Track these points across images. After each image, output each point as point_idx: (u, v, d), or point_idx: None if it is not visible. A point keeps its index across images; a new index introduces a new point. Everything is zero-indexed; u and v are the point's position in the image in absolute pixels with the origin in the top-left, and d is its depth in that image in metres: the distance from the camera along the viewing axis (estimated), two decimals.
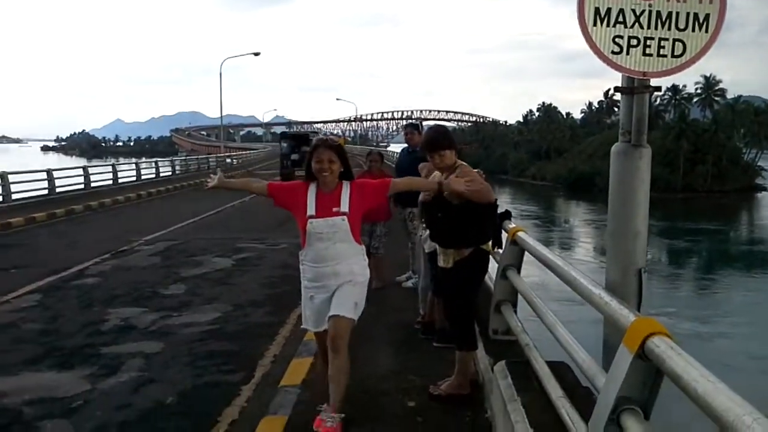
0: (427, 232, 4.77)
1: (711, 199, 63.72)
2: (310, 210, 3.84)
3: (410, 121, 10.01)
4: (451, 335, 4.55)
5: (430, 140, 4.37)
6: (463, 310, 4.37)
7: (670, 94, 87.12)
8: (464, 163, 4.36)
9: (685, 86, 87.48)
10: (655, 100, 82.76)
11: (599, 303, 2.87)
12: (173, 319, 6.86)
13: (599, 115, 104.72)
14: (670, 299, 23.14)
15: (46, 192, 20.26)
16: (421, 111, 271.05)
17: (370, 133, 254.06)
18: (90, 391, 4.88)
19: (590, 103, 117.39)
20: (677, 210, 53.93)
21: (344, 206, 3.85)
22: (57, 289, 8.35)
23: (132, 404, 4.64)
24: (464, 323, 4.38)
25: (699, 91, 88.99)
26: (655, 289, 23.62)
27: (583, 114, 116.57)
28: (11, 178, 18.76)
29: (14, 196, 18.59)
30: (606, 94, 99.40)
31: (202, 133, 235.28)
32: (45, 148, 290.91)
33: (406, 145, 7.44)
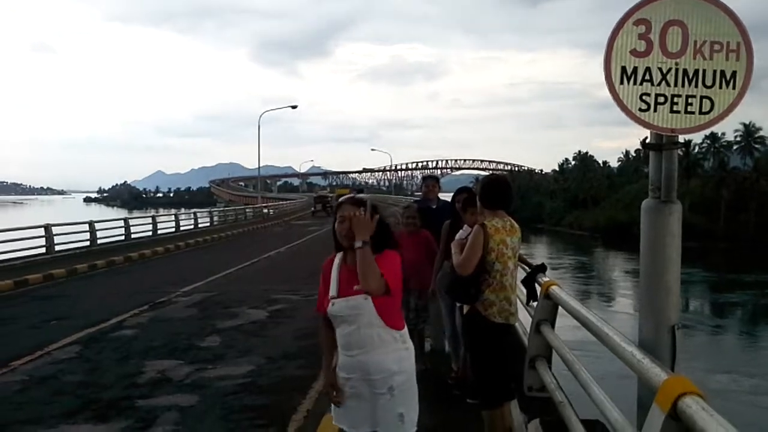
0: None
1: (754, 248, 62.07)
2: (332, 290, 3.12)
3: (431, 173, 10.08)
4: (473, 391, 4.50)
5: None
6: (478, 364, 4.31)
7: (708, 142, 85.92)
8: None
9: (724, 134, 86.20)
10: (694, 149, 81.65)
11: (631, 361, 2.84)
12: (208, 372, 6.91)
13: (637, 163, 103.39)
14: (713, 353, 22.45)
15: (88, 243, 20.74)
16: (456, 161, 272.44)
17: (404, 182, 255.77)
18: None
19: (627, 152, 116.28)
20: (720, 260, 52.67)
21: None
22: (96, 341, 8.49)
23: None
24: (483, 379, 4.28)
25: (738, 138, 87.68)
26: (698, 342, 22.97)
27: (620, 162, 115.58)
28: (55, 230, 19.26)
29: (57, 248, 19.07)
30: (643, 142, 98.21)
31: (240, 183, 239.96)
32: (87, 200, 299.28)
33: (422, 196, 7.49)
